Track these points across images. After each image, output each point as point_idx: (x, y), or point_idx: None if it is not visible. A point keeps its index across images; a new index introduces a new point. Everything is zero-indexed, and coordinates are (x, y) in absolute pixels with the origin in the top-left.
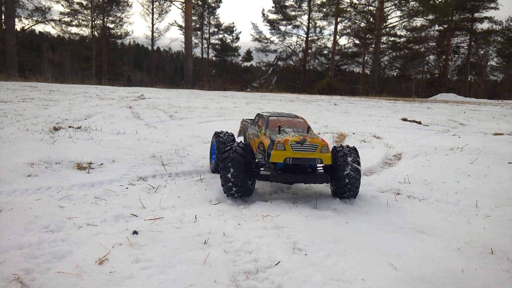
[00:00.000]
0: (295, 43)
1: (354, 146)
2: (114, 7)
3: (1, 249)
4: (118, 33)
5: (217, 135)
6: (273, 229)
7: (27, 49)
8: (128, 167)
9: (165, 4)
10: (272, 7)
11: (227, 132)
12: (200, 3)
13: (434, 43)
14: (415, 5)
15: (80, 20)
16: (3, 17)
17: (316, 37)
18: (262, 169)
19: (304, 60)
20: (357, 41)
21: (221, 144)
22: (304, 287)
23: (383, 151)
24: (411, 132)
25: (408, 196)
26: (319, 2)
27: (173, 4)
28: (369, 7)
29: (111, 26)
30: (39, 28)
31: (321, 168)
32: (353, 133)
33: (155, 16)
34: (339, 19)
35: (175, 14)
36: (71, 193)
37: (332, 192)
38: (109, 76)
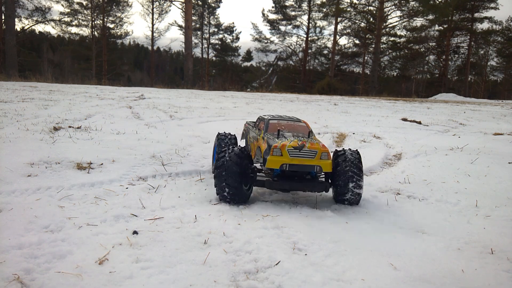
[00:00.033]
0: (295, 43)
1: (357, 150)
2: (114, 7)
3: (1, 249)
4: (118, 33)
5: (219, 136)
6: (273, 229)
7: (27, 49)
8: (128, 167)
9: (165, 4)
10: (272, 7)
11: (229, 134)
12: (200, 3)
13: (434, 43)
14: (415, 5)
15: (80, 20)
16: (3, 17)
17: (316, 37)
18: (263, 173)
19: (304, 60)
20: (357, 41)
21: (220, 147)
22: (304, 287)
23: (383, 151)
24: (411, 132)
25: (408, 196)
26: (319, 2)
27: (173, 4)
28: (369, 7)
29: (111, 26)
30: (39, 28)
31: (322, 175)
32: (353, 133)
33: (155, 16)
34: (339, 19)
35: (175, 14)
36: (71, 193)
37: (333, 198)
38: (109, 76)
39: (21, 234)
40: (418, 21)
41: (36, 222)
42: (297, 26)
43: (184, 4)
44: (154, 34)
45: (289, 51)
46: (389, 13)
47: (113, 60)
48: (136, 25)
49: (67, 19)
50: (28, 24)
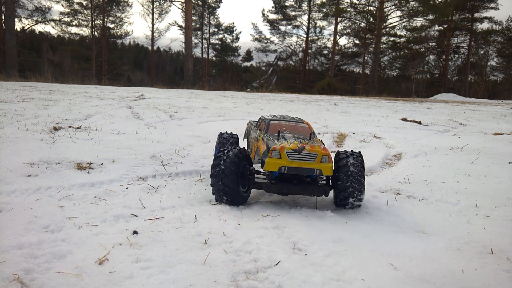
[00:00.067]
0: (295, 43)
1: (359, 152)
2: (114, 7)
3: (1, 249)
4: (118, 33)
5: (221, 136)
6: (273, 229)
7: (27, 49)
8: (128, 167)
9: (165, 4)
10: (272, 7)
11: (231, 134)
12: (200, 3)
13: (434, 43)
14: (415, 5)
15: (80, 20)
16: (3, 17)
17: (316, 37)
18: (263, 175)
19: (304, 60)
20: (357, 41)
21: (222, 146)
22: (304, 287)
23: (383, 151)
24: (411, 132)
25: (408, 196)
26: (319, 2)
27: (173, 4)
28: (369, 7)
29: (111, 26)
30: (39, 28)
31: (323, 178)
32: (353, 133)
33: (155, 16)
34: (339, 19)
35: (175, 14)
36: (71, 193)
37: (334, 201)
38: (109, 76)
39: (21, 234)
40: (418, 21)
41: (36, 222)
42: (297, 26)
43: (184, 4)
44: (154, 34)
45: (289, 51)
46: (389, 13)
47: (113, 60)
48: (136, 25)
49: (67, 19)
50: (28, 24)
